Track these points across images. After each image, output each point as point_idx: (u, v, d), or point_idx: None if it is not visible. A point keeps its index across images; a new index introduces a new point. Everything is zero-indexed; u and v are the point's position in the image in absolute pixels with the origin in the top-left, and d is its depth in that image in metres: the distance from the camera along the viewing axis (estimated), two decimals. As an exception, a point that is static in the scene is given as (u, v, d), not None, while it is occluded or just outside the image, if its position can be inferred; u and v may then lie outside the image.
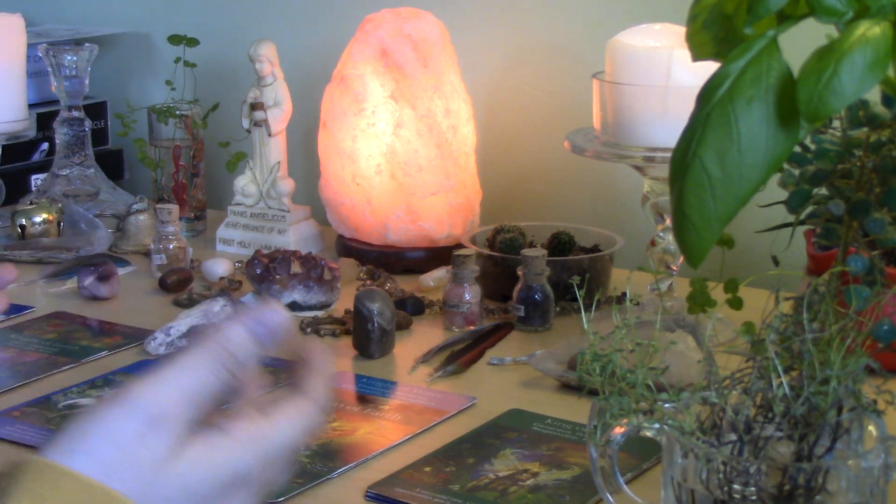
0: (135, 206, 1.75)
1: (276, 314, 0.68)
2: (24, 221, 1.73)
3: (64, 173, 1.85)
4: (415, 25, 1.62)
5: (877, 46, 0.74)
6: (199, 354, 0.66)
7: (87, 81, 1.83)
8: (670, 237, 1.37)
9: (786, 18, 0.78)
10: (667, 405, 0.87)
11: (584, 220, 1.67)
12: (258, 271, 1.49)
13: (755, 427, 0.84)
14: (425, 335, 1.43)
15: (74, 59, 1.81)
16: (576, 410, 1.20)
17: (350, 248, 1.67)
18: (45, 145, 1.94)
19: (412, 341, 1.41)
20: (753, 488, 0.83)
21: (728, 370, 0.87)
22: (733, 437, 0.85)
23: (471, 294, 1.44)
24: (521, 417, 1.21)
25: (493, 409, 1.23)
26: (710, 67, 0.80)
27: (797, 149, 0.94)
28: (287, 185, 1.72)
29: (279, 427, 0.68)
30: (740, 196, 0.77)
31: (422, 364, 1.35)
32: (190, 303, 1.51)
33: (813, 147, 0.95)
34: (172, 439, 0.64)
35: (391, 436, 1.17)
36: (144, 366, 1.33)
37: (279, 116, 1.71)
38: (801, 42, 0.81)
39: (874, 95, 0.88)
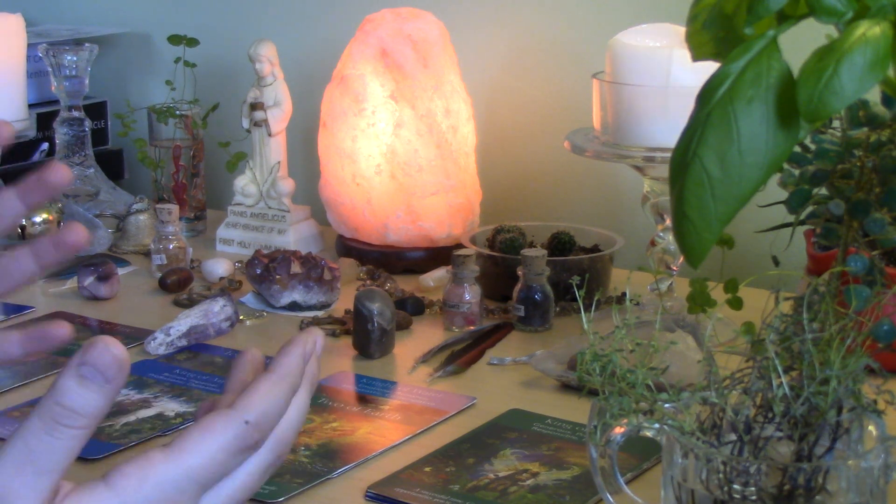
0: (135, 206, 1.75)
1: (105, 351, 0.60)
2: (24, 221, 1.72)
3: (64, 173, 1.84)
4: (415, 25, 1.62)
5: (877, 46, 0.74)
6: (36, 420, 0.61)
7: (87, 81, 1.83)
8: (670, 237, 1.37)
9: (786, 18, 0.78)
10: (667, 405, 0.87)
11: (584, 220, 1.67)
12: (258, 271, 1.49)
13: (755, 427, 0.84)
14: (425, 335, 1.43)
15: (74, 59, 1.81)
16: (576, 410, 1.20)
17: (350, 248, 1.67)
18: (45, 145, 1.94)
19: (412, 341, 1.41)
20: (753, 488, 0.83)
21: (728, 370, 0.87)
22: (733, 437, 0.85)
23: (471, 294, 1.43)
24: (521, 417, 1.21)
25: (493, 409, 1.22)
26: (710, 67, 0.80)
27: (797, 149, 0.94)
28: (287, 185, 1.72)
29: (179, 463, 0.62)
30: (740, 196, 0.77)
31: (422, 364, 1.35)
32: (190, 303, 1.51)
33: (813, 147, 0.95)
34: None
35: (391, 436, 1.17)
36: (144, 365, 1.33)
37: (279, 116, 1.71)
38: (801, 42, 0.81)
39: (874, 95, 0.88)
